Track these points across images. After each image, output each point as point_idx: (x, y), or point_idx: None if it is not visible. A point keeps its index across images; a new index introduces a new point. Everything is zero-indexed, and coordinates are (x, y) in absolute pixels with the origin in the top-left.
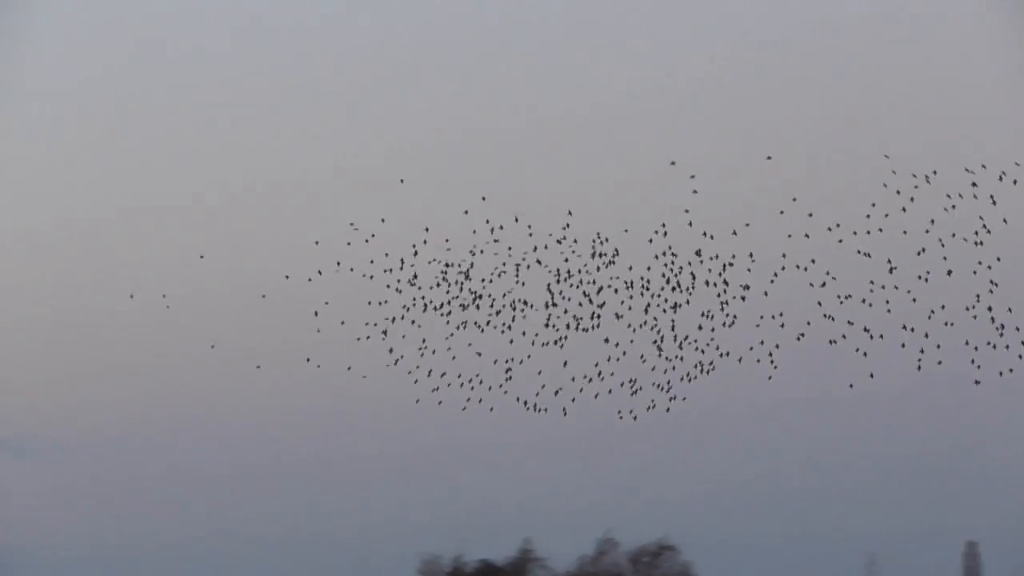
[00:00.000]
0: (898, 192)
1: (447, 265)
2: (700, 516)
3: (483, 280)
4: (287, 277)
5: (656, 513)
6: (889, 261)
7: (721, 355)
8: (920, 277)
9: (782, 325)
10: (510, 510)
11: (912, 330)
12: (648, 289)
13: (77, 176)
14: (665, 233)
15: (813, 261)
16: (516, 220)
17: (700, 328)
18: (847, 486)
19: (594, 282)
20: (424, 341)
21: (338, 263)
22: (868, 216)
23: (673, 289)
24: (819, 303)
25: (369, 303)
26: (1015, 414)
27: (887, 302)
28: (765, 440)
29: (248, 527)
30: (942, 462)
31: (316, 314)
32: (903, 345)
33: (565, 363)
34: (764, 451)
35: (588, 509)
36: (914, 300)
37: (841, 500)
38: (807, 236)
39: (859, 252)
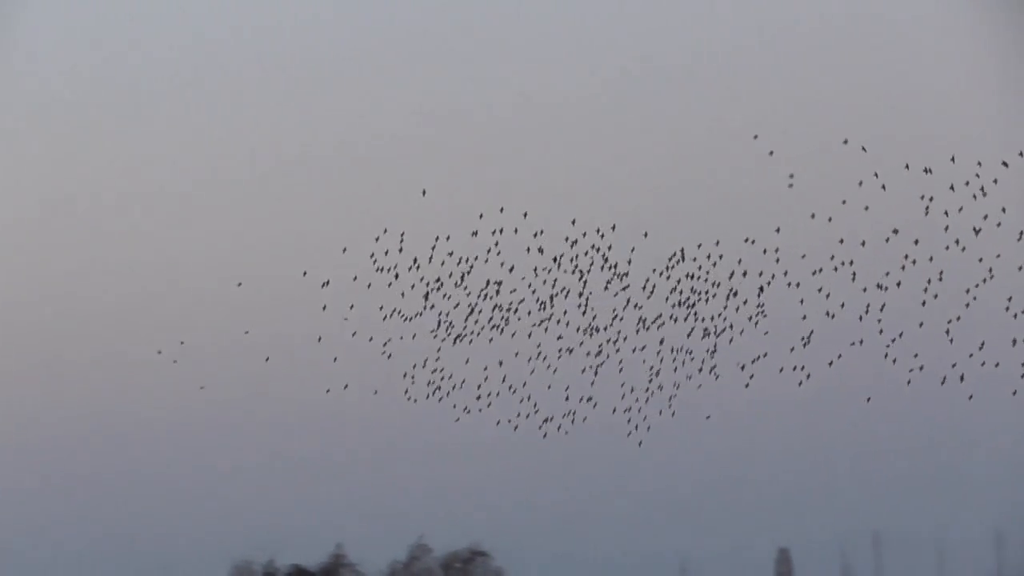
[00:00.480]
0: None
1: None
2: (512, 522)
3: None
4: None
5: (468, 519)
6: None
7: (541, 356)
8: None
9: (559, 337)
10: (322, 516)
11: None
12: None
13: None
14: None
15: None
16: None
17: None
18: (659, 494)
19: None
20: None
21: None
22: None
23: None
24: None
25: None
26: (820, 422)
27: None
28: (577, 448)
29: (54, 534)
30: (754, 471)
31: None
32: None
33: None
34: (575, 459)
35: (400, 515)
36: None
37: (653, 507)
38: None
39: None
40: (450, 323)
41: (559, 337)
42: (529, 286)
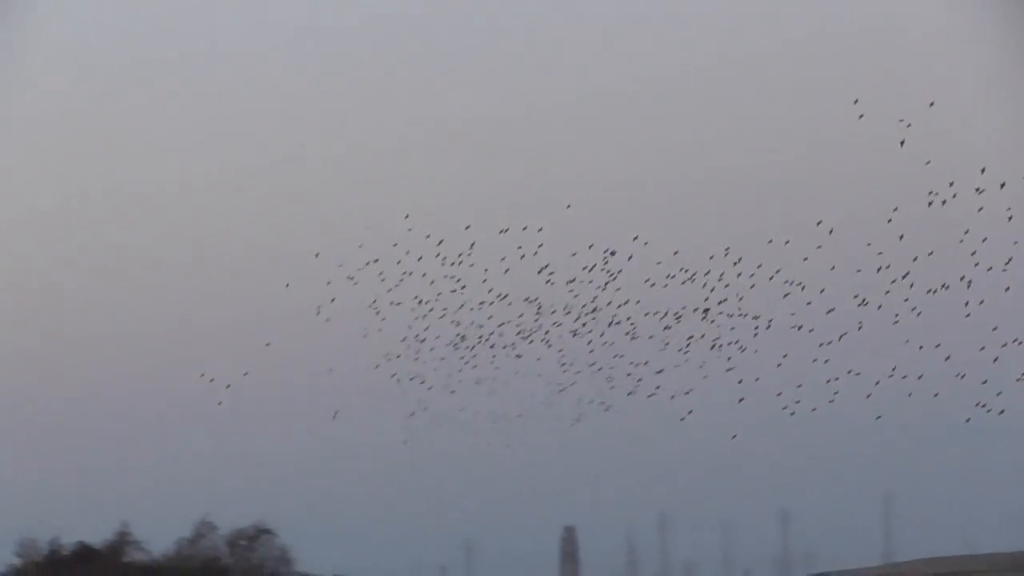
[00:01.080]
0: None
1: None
2: (297, 500)
3: None
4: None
5: (253, 497)
6: None
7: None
8: None
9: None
10: (107, 494)
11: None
12: None
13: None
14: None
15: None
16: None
17: None
18: (446, 473)
19: None
20: None
21: None
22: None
23: None
24: None
25: None
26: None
27: None
28: (366, 424)
29: None
30: (540, 453)
31: None
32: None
33: None
34: (364, 434)
35: (186, 493)
36: None
37: (438, 488)
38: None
39: None
40: None
41: None
42: None
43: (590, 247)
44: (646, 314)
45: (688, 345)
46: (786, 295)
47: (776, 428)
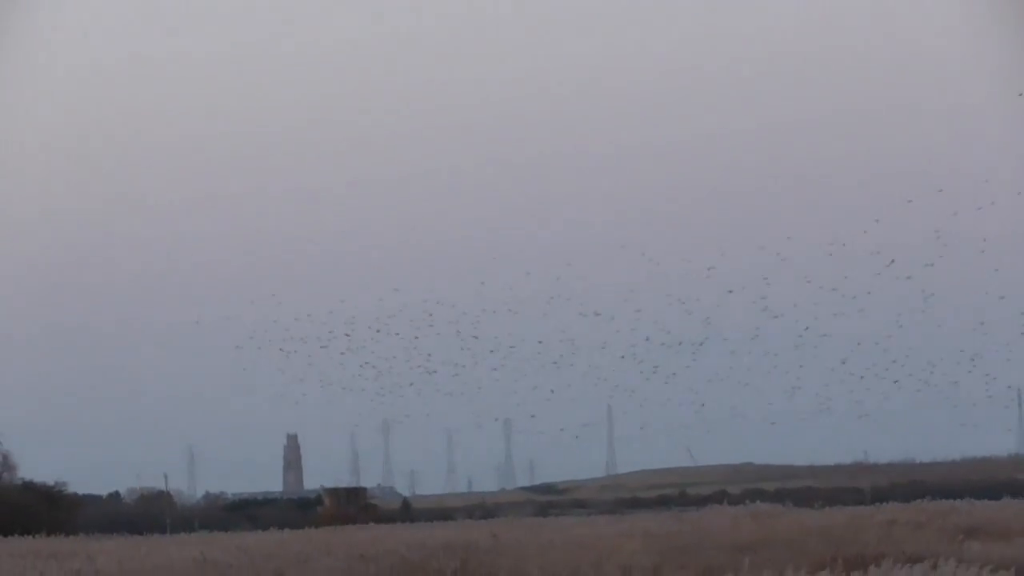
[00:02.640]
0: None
1: None
2: (19, 407)
3: None
4: None
5: None
6: None
7: None
8: None
9: None
10: None
11: None
12: None
13: None
14: None
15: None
16: None
17: None
18: (170, 381)
19: None
20: None
21: None
22: None
23: None
24: None
25: None
26: None
27: None
28: (89, 332)
29: None
30: (266, 362)
31: None
32: None
33: None
34: (88, 341)
35: None
36: None
37: (163, 394)
38: None
39: None
40: None
41: None
42: None
43: None
44: None
45: None
46: None
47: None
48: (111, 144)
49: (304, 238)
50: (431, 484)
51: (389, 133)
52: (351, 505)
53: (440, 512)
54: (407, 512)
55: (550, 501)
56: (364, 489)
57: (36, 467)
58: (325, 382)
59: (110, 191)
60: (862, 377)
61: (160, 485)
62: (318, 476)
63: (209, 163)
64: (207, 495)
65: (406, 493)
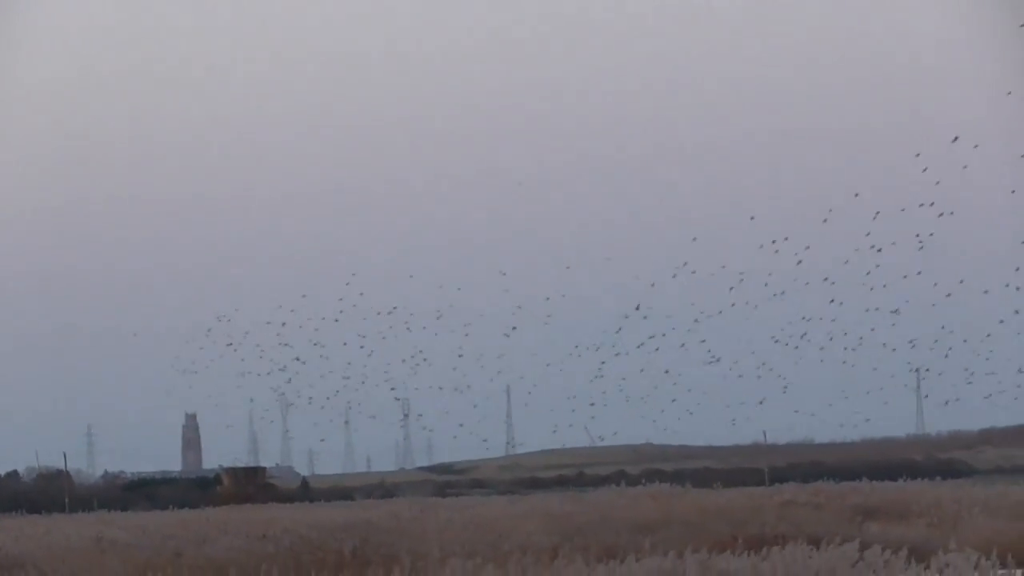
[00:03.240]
0: None
1: None
2: None
3: None
4: None
5: None
6: None
7: None
8: None
9: None
10: None
11: None
12: None
13: None
14: None
15: None
16: None
17: None
18: (69, 362)
19: None
20: None
21: None
22: None
23: None
24: None
25: None
26: None
27: None
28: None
29: None
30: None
31: None
32: None
33: None
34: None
35: None
36: None
37: (62, 375)
38: None
39: None
40: None
41: None
42: None
43: None
44: None
45: None
46: None
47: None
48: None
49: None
50: (330, 464)
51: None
52: (250, 484)
53: (339, 492)
54: (306, 492)
55: (449, 481)
56: (263, 468)
57: None
58: (224, 362)
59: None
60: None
61: (59, 464)
62: (217, 456)
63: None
64: (106, 474)
65: (305, 473)
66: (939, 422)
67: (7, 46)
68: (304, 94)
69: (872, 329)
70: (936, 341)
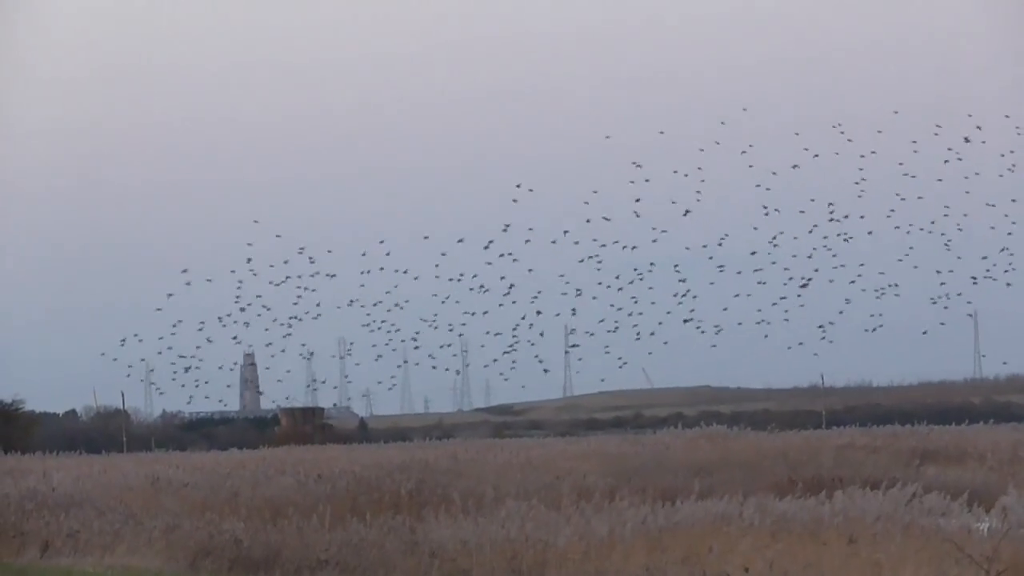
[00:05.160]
0: None
1: None
2: None
3: None
4: None
5: None
6: None
7: None
8: None
9: None
10: None
11: None
12: None
13: None
14: None
15: None
16: None
17: None
18: (126, 299)
19: None
20: None
21: None
22: None
23: None
24: None
25: None
26: None
27: None
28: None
29: None
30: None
31: None
32: None
33: None
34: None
35: None
36: None
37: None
38: None
39: None
40: None
41: None
42: None
43: None
44: None
45: None
46: None
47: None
48: None
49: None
50: (388, 405)
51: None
52: (308, 425)
53: (397, 432)
54: (364, 432)
55: (506, 422)
56: (321, 409)
57: None
58: (284, 301)
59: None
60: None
61: (117, 403)
62: (275, 396)
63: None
64: (164, 414)
65: (363, 414)
66: (997, 366)
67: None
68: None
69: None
70: (993, 280)
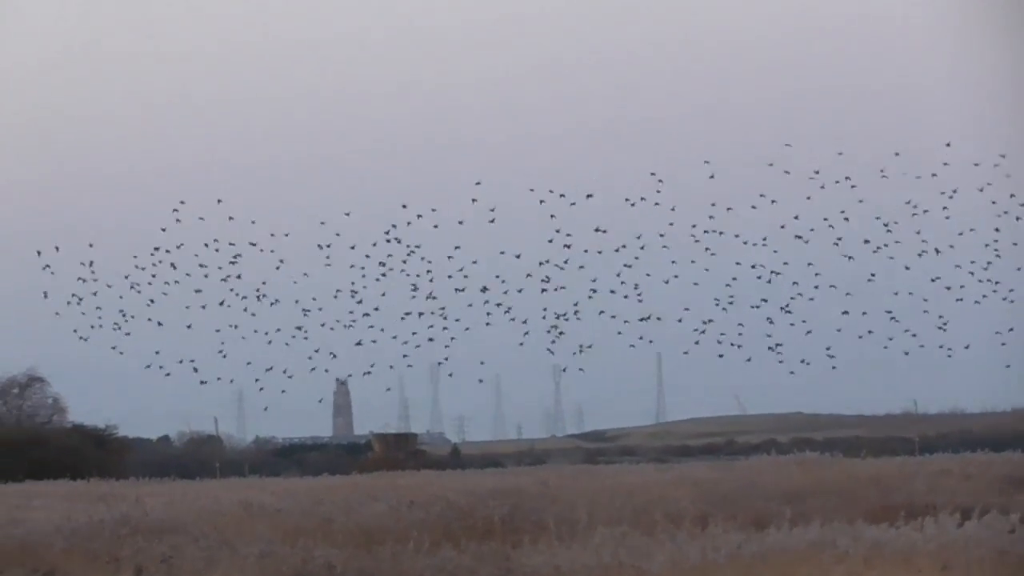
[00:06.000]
0: None
1: None
2: (69, 349)
3: None
4: None
5: (25, 346)
6: None
7: None
8: None
9: None
10: None
11: None
12: None
13: None
14: None
15: None
16: None
17: None
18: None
19: None
20: None
21: None
22: None
23: None
24: None
25: None
26: None
27: None
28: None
29: None
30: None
31: None
32: None
33: None
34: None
35: None
36: None
37: (211, 337)
38: None
39: None
40: None
41: None
42: None
43: None
44: None
45: None
46: None
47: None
48: None
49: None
50: (480, 431)
51: None
52: (400, 451)
53: (489, 458)
54: (456, 458)
55: (599, 448)
56: (414, 435)
57: (86, 410)
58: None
59: None
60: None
61: (210, 429)
62: (367, 421)
63: None
64: (257, 439)
65: (455, 439)
66: None
67: None
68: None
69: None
70: None
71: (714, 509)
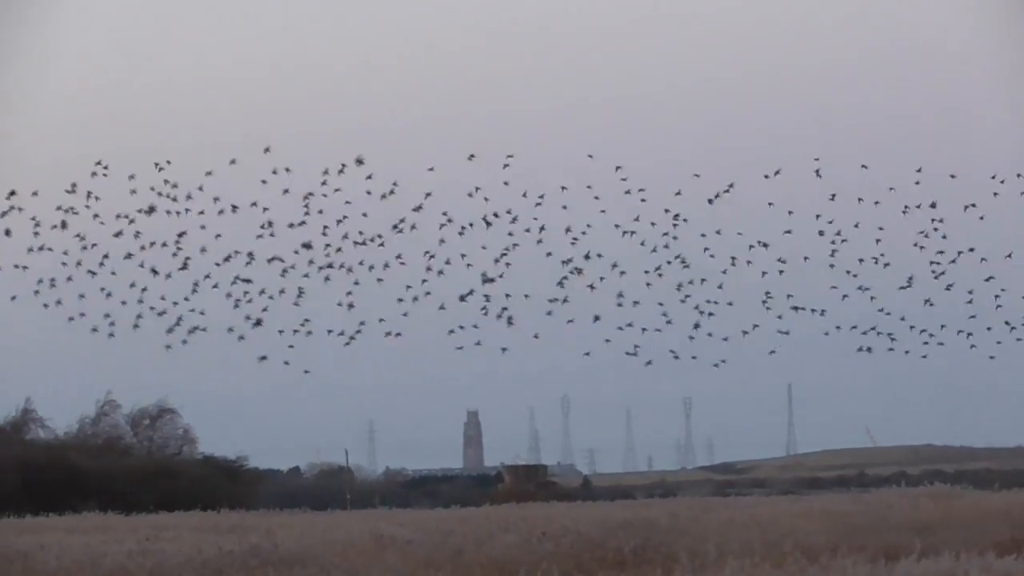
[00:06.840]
0: None
1: None
2: (200, 380)
3: None
4: None
5: (157, 377)
6: None
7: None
8: None
9: None
10: (11, 371)
11: None
12: None
13: None
14: None
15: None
16: None
17: None
18: (349, 357)
19: None
20: None
21: None
22: None
23: None
24: None
25: None
26: None
27: None
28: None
29: None
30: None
31: None
32: None
33: None
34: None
35: (90, 372)
36: None
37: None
38: None
39: None
40: None
41: None
42: None
43: None
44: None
45: None
46: None
47: (681, 316)
48: None
49: None
50: (611, 462)
51: None
52: (531, 482)
53: (620, 490)
54: (587, 490)
55: (729, 480)
56: (544, 466)
57: (217, 442)
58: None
59: None
60: None
61: (341, 461)
62: (498, 453)
63: None
64: (387, 471)
65: (586, 471)
66: None
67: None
68: None
69: None
70: None
71: (845, 541)
